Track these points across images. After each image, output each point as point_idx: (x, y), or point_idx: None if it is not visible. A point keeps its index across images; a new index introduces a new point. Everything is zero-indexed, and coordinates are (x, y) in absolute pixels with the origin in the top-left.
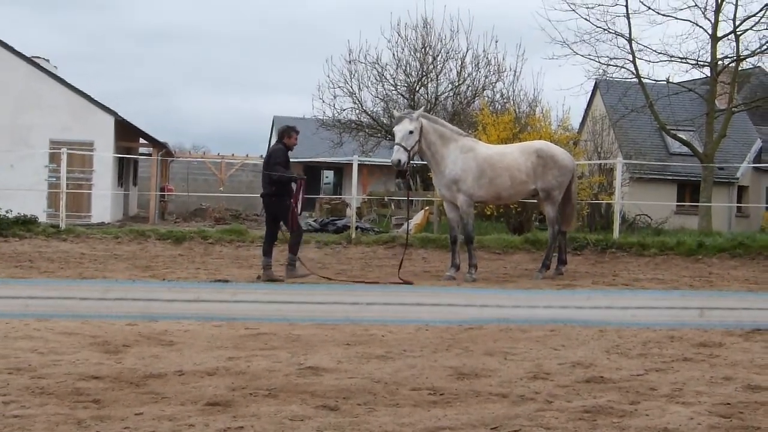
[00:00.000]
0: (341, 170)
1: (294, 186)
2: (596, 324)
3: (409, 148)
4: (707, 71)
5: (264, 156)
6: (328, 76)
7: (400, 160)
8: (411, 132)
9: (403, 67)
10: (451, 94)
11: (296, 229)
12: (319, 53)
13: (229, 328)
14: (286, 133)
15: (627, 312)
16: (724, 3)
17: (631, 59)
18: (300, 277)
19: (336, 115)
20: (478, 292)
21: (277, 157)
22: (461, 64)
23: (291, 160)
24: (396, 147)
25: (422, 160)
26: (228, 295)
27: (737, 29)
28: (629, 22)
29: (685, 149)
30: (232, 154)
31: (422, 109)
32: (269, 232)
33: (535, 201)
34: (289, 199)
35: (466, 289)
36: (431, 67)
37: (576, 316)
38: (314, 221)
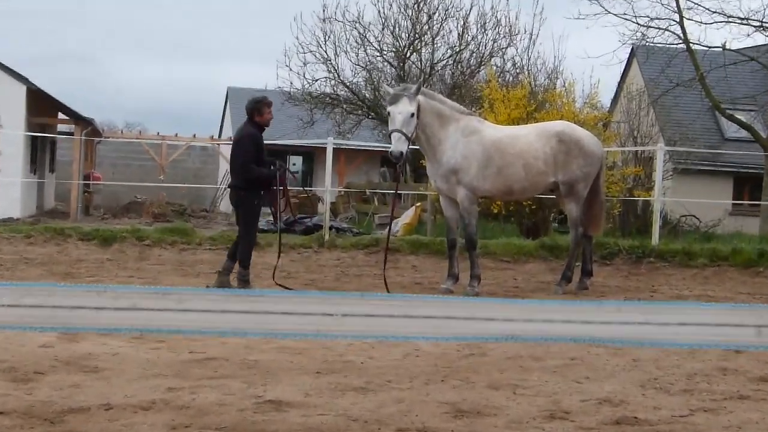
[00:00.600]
0: (312, 156)
1: (280, 178)
2: (627, 343)
3: (410, 135)
4: None
5: (232, 138)
6: (297, 38)
7: (402, 153)
8: (412, 115)
9: (391, 28)
10: (451, 62)
11: (249, 234)
12: (284, 10)
13: (169, 350)
14: (256, 109)
15: (667, 329)
16: None
17: (678, 20)
18: None
19: (306, 86)
20: (483, 302)
21: (244, 147)
22: (463, 24)
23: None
24: (396, 135)
25: (414, 144)
26: (173, 303)
27: None
28: None
29: (744, 134)
30: (176, 134)
31: (420, 83)
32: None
33: (554, 197)
34: (260, 199)
35: (467, 298)
36: (426, 27)
37: (602, 334)
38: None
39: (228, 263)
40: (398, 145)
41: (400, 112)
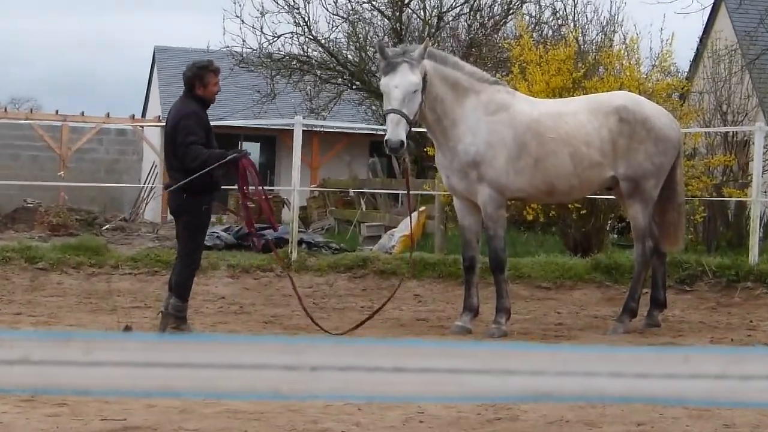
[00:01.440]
0: (273, 142)
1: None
2: (695, 403)
3: (412, 117)
4: None
5: (165, 119)
6: None
7: (402, 142)
8: (416, 89)
9: None
10: (466, 10)
11: (192, 253)
12: None
13: (72, 416)
14: (199, 78)
15: (749, 385)
16: None
17: None
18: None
19: (265, 45)
20: (500, 349)
21: (186, 129)
22: None
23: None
24: (393, 117)
25: (418, 125)
26: (78, 353)
27: None
28: None
29: None
30: (82, 113)
31: (426, 44)
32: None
33: (613, 197)
34: (209, 204)
35: (479, 344)
36: None
37: (662, 392)
38: (225, 231)
39: (172, 299)
40: (397, 131)
41: (398, 85)
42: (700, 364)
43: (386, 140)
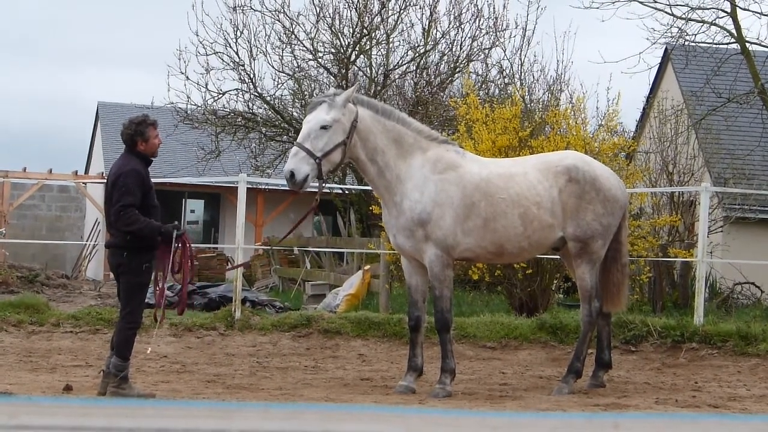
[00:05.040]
0: (217, 199)
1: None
2: None
3: (319, 154)
4: None
5: (107, 176)
6: (196, 34)
7: (293, 173)
8: (325, 126)
9: (329, 20)
10: (413, 67)
11: (134, 312)
12: None
13: None
14: (139, 134)
15: None
16: None
17: (729, 10)
18: (135, 397)
19: (210, 102)
20: (434, 414)
21: (124, 187)
22: (430, 15)
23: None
24: (292, 149)
25: (366, 182)
26: (4, 418)
27: None
28: None
29: None
30: (24, 169)
31: (354, 88)
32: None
33: (558, 256)
34: (150, 262)
35: (413, 410)
36: (378, 20)
37: None
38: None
39: (113, 358)
40: (291, 163)
41: (308, 120)
42: (629, 431)
43: (283, 172)
